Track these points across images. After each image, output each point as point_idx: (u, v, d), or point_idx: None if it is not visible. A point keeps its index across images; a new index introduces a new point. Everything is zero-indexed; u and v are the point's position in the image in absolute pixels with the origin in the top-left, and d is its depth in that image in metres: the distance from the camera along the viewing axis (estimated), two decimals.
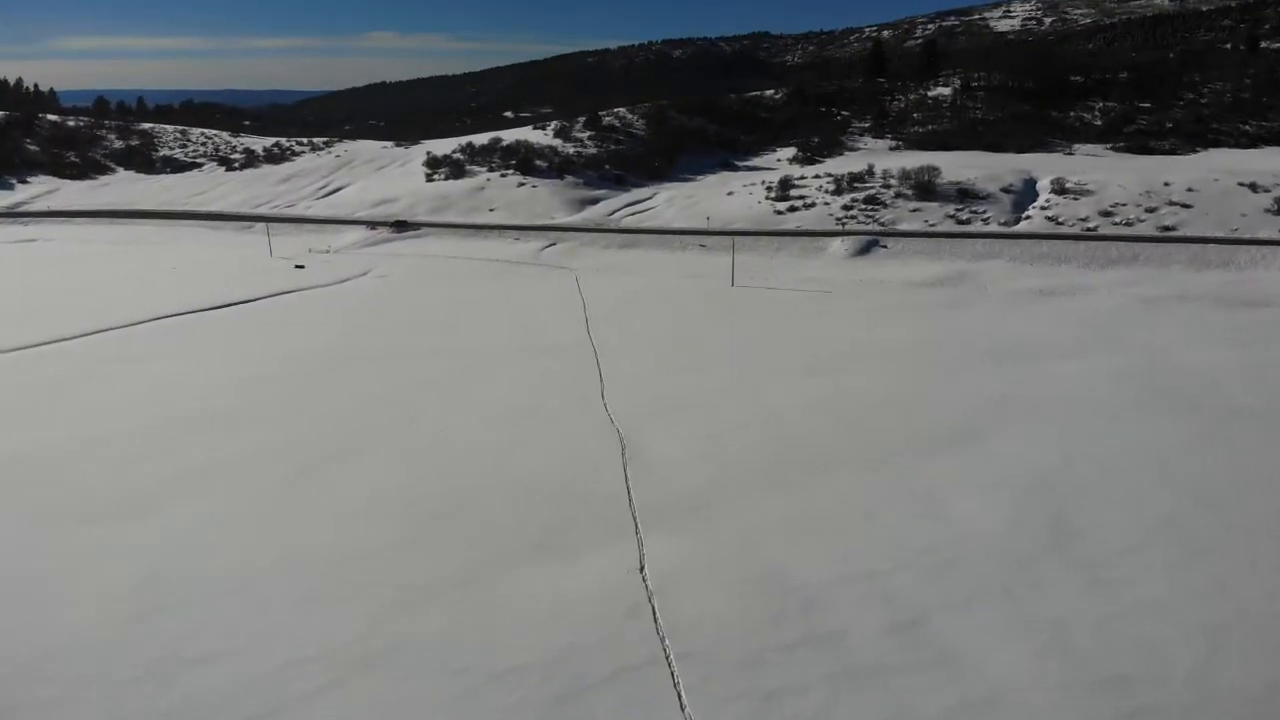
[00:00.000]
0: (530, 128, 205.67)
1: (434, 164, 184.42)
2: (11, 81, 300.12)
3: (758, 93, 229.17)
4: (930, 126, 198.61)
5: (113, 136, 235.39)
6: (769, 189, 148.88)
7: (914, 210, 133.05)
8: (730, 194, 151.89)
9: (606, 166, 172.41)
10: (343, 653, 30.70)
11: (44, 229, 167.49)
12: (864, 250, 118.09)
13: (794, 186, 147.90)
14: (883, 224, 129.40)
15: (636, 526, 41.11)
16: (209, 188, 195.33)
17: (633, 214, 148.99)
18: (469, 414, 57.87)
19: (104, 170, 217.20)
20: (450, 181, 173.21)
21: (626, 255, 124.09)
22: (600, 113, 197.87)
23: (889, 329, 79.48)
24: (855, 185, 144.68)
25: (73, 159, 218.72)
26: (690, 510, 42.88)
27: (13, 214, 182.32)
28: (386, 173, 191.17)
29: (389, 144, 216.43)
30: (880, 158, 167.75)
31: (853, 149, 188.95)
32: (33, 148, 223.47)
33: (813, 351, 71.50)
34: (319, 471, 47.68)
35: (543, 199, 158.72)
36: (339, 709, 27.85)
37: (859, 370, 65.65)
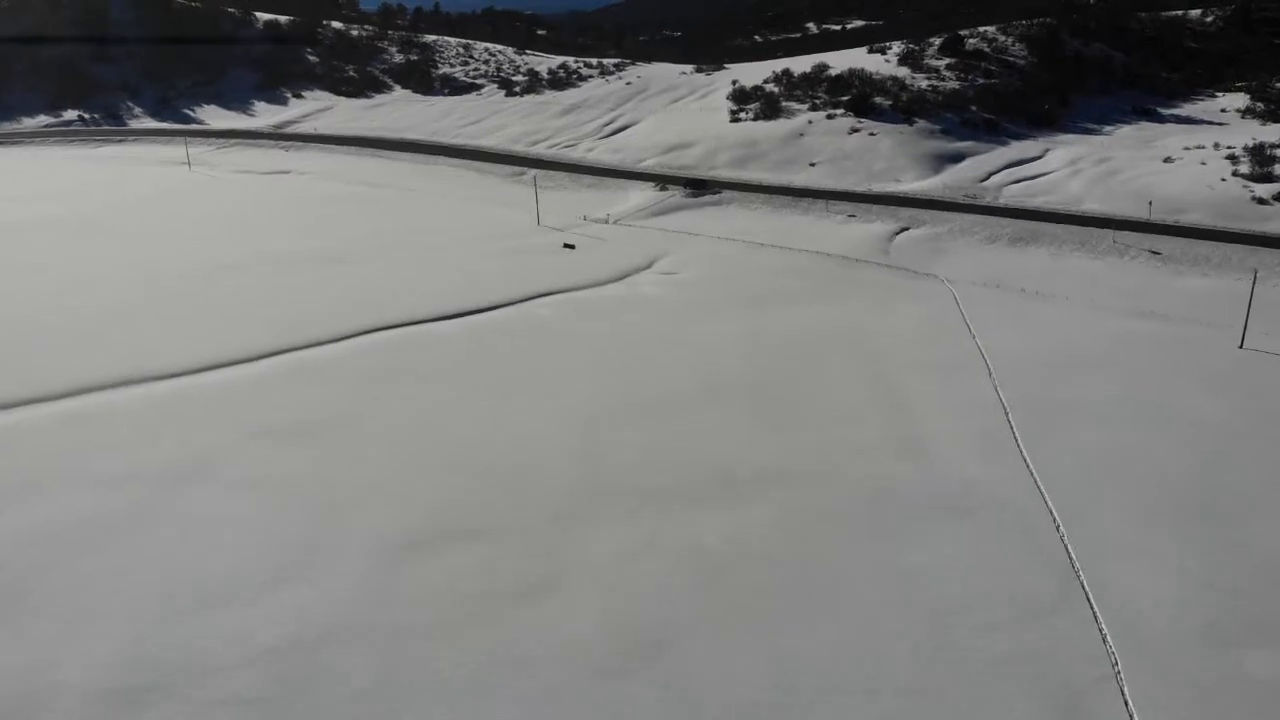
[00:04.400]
0: (865, 50, 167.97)
1: (741, 98, 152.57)
2: None
3: (1178, 11, 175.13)
4: None
5: (394, 49, 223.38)
6: (1232, 158, 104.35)
7: None
8: (1168, 160, 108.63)
9: (973, 108, 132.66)
10: None
11: (304, 157, 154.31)
12: None
13: (1276, 159, 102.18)
14: None
15: None
16: (485, 115, 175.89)
17: (1017, 181, 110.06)
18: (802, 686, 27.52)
19: (381, 88, 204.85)
20: (760, 123, 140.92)
21: (1026, 257, 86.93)
22: (962, 32, 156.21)
23: None
24: None
25: (350, 73, 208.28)
26: None
27: (277, 134, 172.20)
28: (683, 106, 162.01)
29: (687, 69, 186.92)
30: None
31: None
32: (313, 58, 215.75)
33: None
34: None
35: (884, 152, 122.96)
36: None
37: None
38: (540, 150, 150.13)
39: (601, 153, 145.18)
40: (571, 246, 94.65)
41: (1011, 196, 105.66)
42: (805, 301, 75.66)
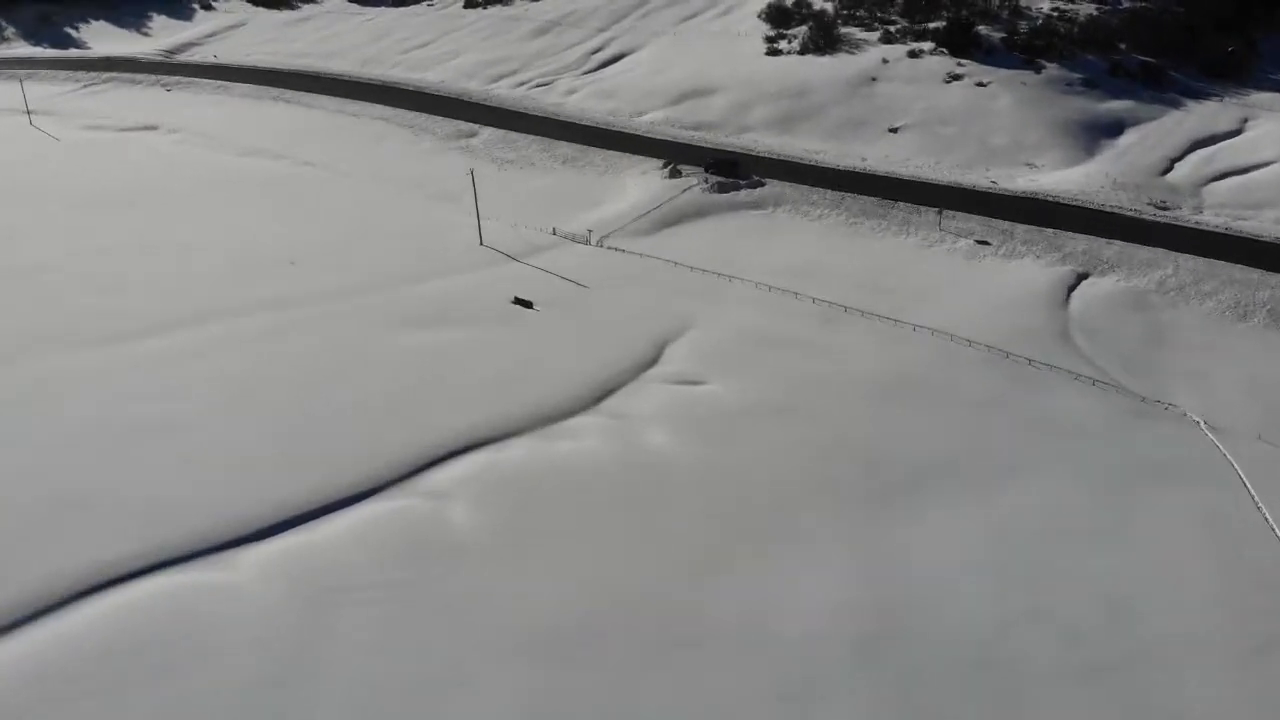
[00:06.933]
0: None
1: (779, 18, 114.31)
2: None
3: None
4: None
5: None
6: None
7: None
8: None
9: (1122, 47, 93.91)
10: None
11: (186, 102, 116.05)
12: None
13: None
14: None
15: None
16: (435, 36, 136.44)
17: (1222, 176, 73.17)
18: None
19: None
20: (810, 58, 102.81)
21: None
22: None
23: None
24: None
25: None
26: None
27: (164, 64, 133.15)
28: (699, 28, 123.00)
29: None
30: None
31: None
32: None
33: None
34: None
35: (1003, 115, 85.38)
36: None
37: None
38: (502, 90, 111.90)
39: (587, 96, 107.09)
40: (527, 304, 58.54)
41: (1220, 203, 69.14)
42: (958, 482, 40.10)
